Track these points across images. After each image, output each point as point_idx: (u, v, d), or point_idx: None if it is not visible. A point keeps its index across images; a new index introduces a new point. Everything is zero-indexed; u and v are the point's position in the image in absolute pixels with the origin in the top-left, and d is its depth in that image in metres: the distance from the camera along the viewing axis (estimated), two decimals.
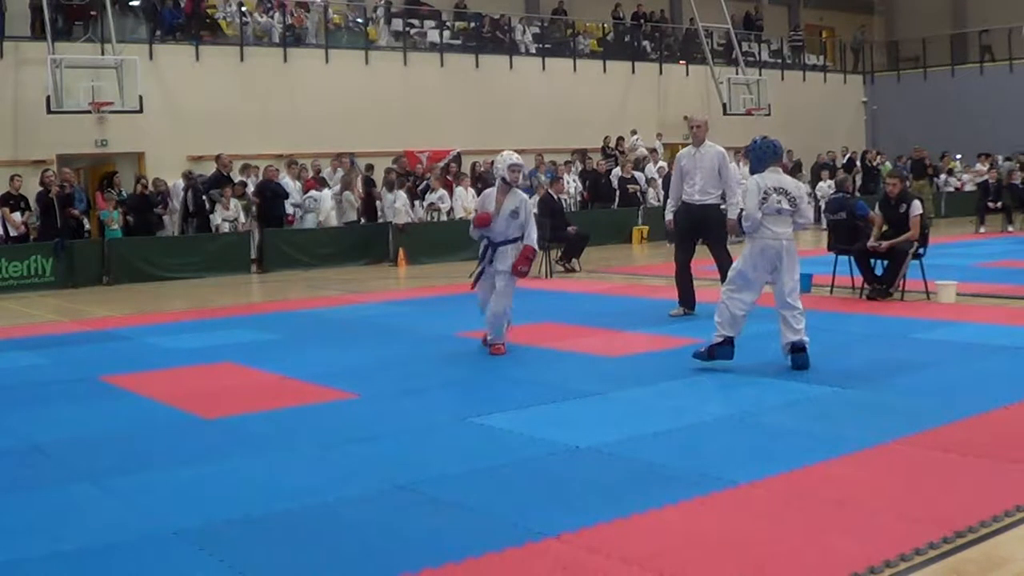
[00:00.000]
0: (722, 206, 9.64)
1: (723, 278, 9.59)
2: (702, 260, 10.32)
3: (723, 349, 7.04)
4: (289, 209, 17.97)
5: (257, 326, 10.47)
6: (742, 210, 7.29)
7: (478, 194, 19.73)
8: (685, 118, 26.29)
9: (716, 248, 9.83)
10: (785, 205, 6.94)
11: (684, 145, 28.21)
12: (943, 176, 26.16)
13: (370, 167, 19.56)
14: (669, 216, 10.06)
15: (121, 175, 18.41)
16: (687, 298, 9.98)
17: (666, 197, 10.96)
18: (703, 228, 9.82)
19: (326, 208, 18.00)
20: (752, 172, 7.21)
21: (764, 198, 6.90)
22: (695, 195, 9.64)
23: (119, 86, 17.31)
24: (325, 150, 19.89)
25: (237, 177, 18.05)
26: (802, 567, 3.63)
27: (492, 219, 8.04)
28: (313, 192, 18.13)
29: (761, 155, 7.15)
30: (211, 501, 4.58)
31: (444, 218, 18.59)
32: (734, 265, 7.29)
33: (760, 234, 6.94)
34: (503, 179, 8.15)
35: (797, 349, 6.97)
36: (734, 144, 25.98)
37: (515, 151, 8.51)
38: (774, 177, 7.04)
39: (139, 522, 4.32)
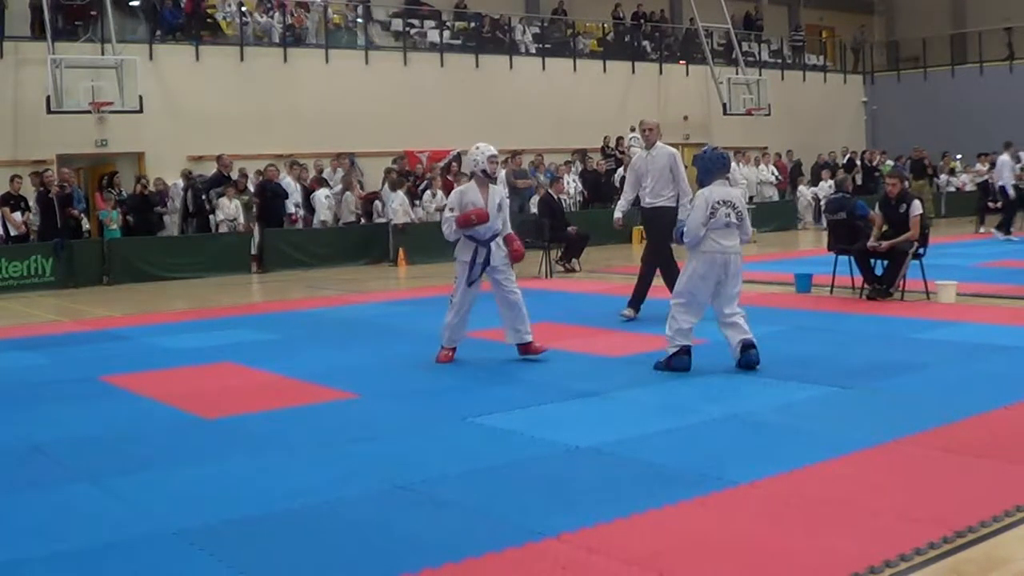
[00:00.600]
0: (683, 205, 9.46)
1: (644, 276, 9.82)
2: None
3: (680, 359, 7.06)
4: (291, 208, 17.98)
5: (257, 326, 10.48)
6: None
7: None
8: (684, 118, 26.53)
9: (651, 247, 9.88)
10: (733, 219, 6.95)
11: (684, 145, 28.36)
12: (943, 176, 26.16)
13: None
14: (618, 215, 10.07)
15: (121, 175, 18.41)
16: (637, 299, 9.91)
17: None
18: (648, 229, 9.97)
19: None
20: (700, 184, 7.15)
21: (712, 212, 6.89)
22: (646, 197, 9.70)
23: (119, 86, 17.30)
24: (325, 150, 19.90)
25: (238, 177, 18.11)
26: (802, 567, 3.63)
27: (488, 218, 7.64)
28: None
29: (710, 166, 7.11)
30: (211, 501, 4.58)
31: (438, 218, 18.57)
32: (680, 280, 7.26)
33: (707, 247, 6.94)
34: (484, 172, 7.70)
35: (748, 346, 7.01)
36: (734, 144, 26.12)
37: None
38: (722, 190, 7.04)
39: (139, 522, 4.32)
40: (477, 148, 7.79)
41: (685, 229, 7.06)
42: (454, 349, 7.90)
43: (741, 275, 7.14)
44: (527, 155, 21.75)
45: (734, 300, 7.06)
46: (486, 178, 7.73)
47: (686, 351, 7.06)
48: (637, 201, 9.99)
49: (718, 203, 6.92)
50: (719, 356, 7.70)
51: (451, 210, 7.71)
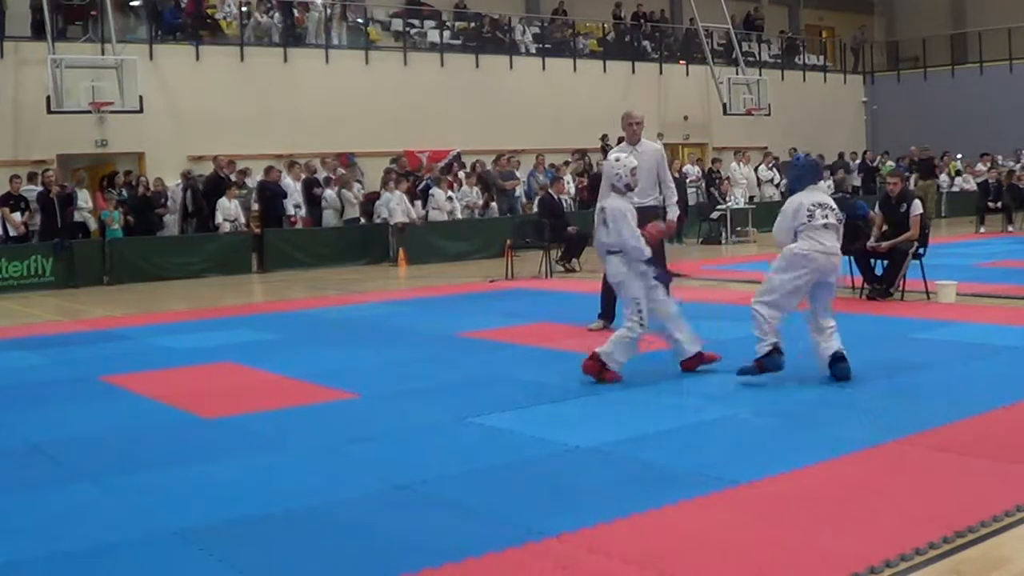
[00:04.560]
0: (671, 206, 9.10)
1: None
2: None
3: (772, 359, 6.70)
4: (290, 210, 17.99)
5: (257, 326, 10.48)
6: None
7: (483, 191, 19.89)
8: (684, 118, 26.54)
9: (656, 260, 8.65)
10: (832, 219, 6.77)
11: (684, 145, 28.28)
12: (945, 176, 26.13)
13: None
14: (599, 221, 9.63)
15: (121, 175, 18.42)
16: (608, 311, 9.32)
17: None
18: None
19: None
20: (792, 191, 7.03)
21: (810, 214, 6.70)
22: (634, 197, 9.15)
23: (119, 86, 17.31)
24: (325, 150, 19.90)
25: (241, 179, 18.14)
26: (802, 567, 3.63)
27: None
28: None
29: (803, 173, 7.01)
30: (211, 501, 4.58)
31: (445, 218, 18.61)
32: (772, 279, 6.85)
33: (806, 246, 6.67)
34: (627, 186, 7.12)
35: (838, 359, 6.74)
36: (734, 144, 26.15)
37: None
38: (815, 195, 6.86)
39: (139, 522, 4.32)
40: (617, 159, 7.25)
41: (775, 233, 6.91)
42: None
43: (836, 280, 6.89)
44: (526, 155, 21.78)
45: (829, 309, 6.83)
46: (627, 191, 7.21)
47: (778, 350, 6.72)
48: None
49: (815, 205, 6.75)
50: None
51: (632, 225, 7.08)
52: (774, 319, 6.73)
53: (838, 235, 6.83)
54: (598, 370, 6.90)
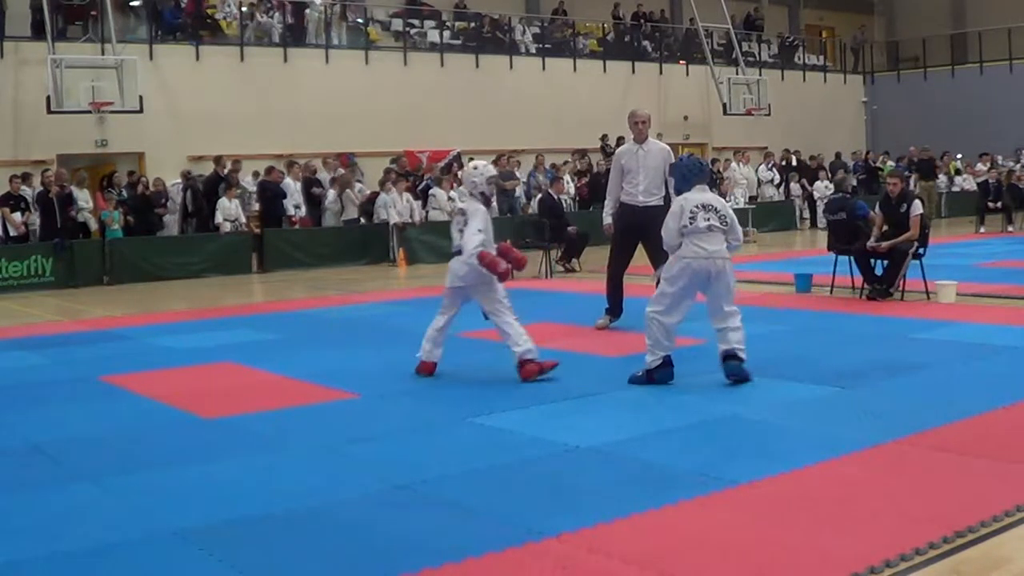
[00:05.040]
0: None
1: (615, 279, 9.24)
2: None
3: (663, 372, 6.74)
4: (291, 210, 18.00)
5: (257, 326, 10.48)
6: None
7: None
8: (684, 118, 26.53)
9: (659, 253, 8.54)
10: (715, 222, 6.68)
11: (684, 146, 28.34)
12: (943, 176, 26.13)
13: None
14: (608, 220, 9.28)
15: (121, 175, 18.43)
16: (616, 307, 9.39)
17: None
18: (645, 231, 8.83)
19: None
20: (678, 192, 6.99)
21: (692, 217, 6.67)
22: (638, 196, 8.96)
23: (119, 86, 17.32)
24: (325, 150, 19.91)
25: (244, 179, 18.14)
26: (802, 567, 3.63)
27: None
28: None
29: (687, 173, 6.95)
30: (211, 501, 4.58)
31: (445, 218, 18.60)
32: (661, 286, 6.94)
33: (687, 252, 6.68)
34: (483, 194, 7.26)
35: (728, 356, 6.70)
36: (734, 144, 26.15)
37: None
38: (700, 196, 6.80)
39: (139, 522, 4.32)
40: (476, 167, 7.41)
41: (663, 234, 6.83)
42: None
43: (733, 284, 6.80)
44: (527, 155, 21.78)
45: (728, 314, 6.71)
46: (485, 199, 7.32)
47: (669, 362, 6.75)
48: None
49: (696, 207, 6.70)
50: (718, 356, 7.71)
51: (481, 234, 7.12)
52: (671, 325, 6.73)
53: (725, 236, 6.74)
54: (537, 369, 7.04)
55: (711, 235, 6.67)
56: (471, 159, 21.38)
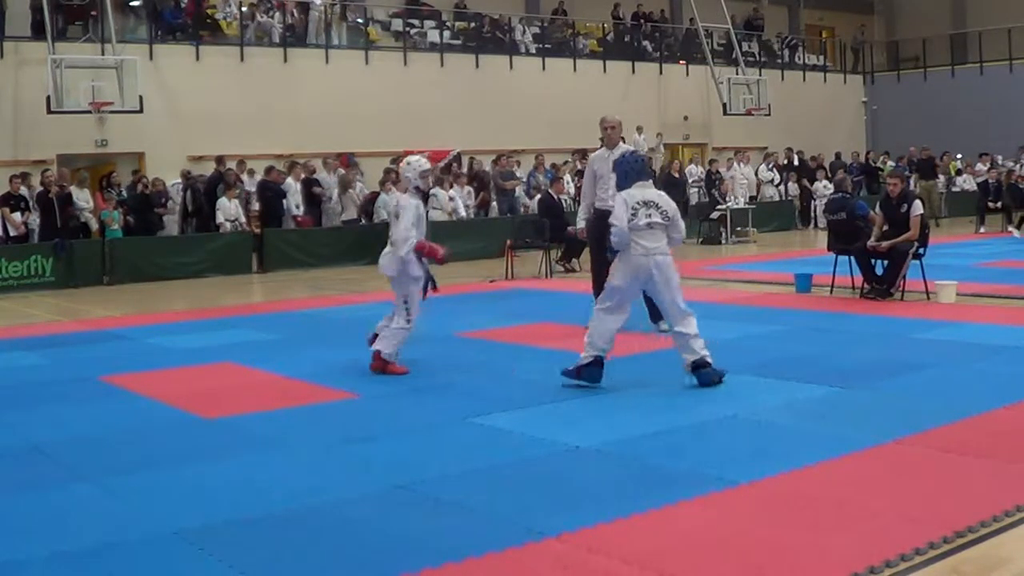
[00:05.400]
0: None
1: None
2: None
3: (591, 370, 6.75)
4: (294, 210, 17.99)
5: (257, 326, 10.48)
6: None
7: (476, 193, 19.90)
8: (684, 118, 26.53)
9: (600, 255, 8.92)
10: (657, 219, 6.71)
11: (684, 145, 28.24)
12: (943, 177, 26.11)
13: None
14: (581, 224, 9.45)
15: (121, 175, 18.42)
16: None
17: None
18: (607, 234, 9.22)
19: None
20: (619, 188, 7.01)
21: (633, 213, 6.69)
22: (609, 200, 8.85)
23: (119, 86, 17.31)
24: (325, 150, 19.90)
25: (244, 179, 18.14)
26: (802, 567, 3.63)
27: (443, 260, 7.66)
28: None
29: (628, 170, 6.98)
30: (211, 501, 4.58)
31: (445, 218, 18.61)
32: (608, 284, 6.98)
33: (631, 249, 6.72)
34: (417, 188, 7.61)
35: (699, 366, 6.67)
36: (734, 144, 26.14)
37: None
38: (642, 192, 6.83)
39: (139, 522, 4.32)
40: (408, 163, 7.71)
41: (614, 231, 6.81)
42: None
43: (675, 280, 6.76)
44: (526, 155, 21.78)
45: (679, 313, 6.70)
46: (419, 192, 7.69)
47: (599, 363, 6.75)
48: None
49: (638, 203, 6.73)
50: (718, 356, 7.71)
51: (413, 229, 7.49)
52: (611, 329, 6.76)
53: (667, 232, 6.77)
54: (382, 367, 7.44)
55: (651, 232, 6.71)
56: (472, 159, 21.47)
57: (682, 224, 6.93)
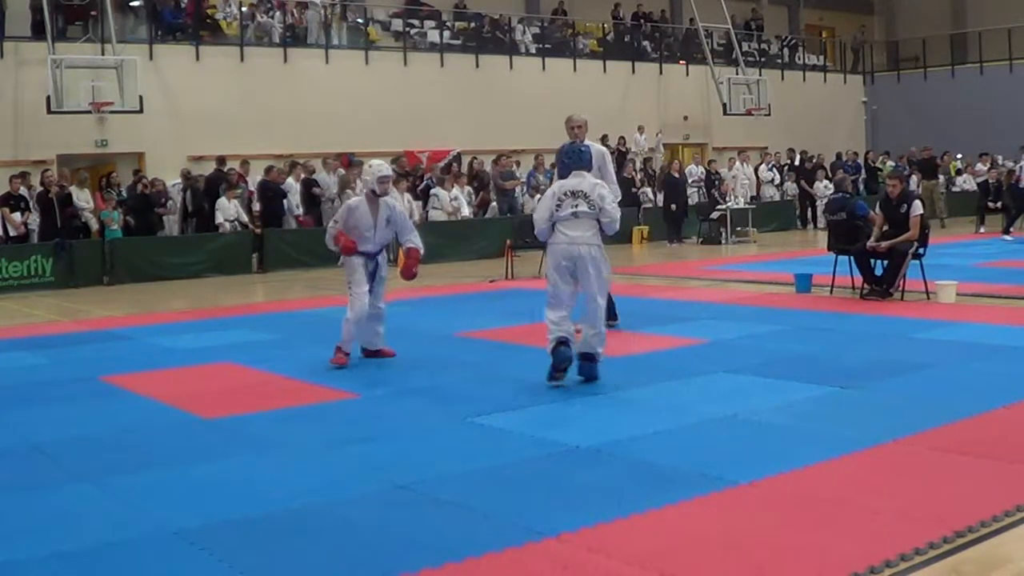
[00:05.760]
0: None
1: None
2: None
3: (559, 351, 6.72)
4: (296, 210, 17.99)
5: (257, 326, 10.48)
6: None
7: (476, 193, 19.90)
8: (684, 118, 26.52)
9: None
10: (583, 207, 6.69)
11: (684, 145, 28.24)
12: (943, 177, 26.10)
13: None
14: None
15: (121, 175, 18.42)
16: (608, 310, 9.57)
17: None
18: None
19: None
20: (560, 177, 7.06)
21: (559, 203, 6.71)
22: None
23: (119, 86, 17.31)
24: (325, 150, 19.91)
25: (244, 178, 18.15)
26: (802, 567, 3.63)
27: (358, 242, 7.79)
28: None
29: (566, 160, 7.02)
30: (211, 501, 4.58)
31: (446, 217, 18.62)
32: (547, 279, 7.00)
33: (554, 239, 6.75)
34: (373, 191, 7.83)
35: (586, 357, 6.71)
36: (734, 144, 26.14)
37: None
38: (572, 181, 6.83)
39: (139, 522, 4.32)
40: (370, 166, 8.03)
41: (534, 219, 6.91)
42: (348, 355, 7.96)
43: (603, 272, 6.75)
44: (526, 155, 21.78)
45: (596, 308, 6.71)
46: (375, 196, 7.88)
47: (563, 342, 6.73)
48: None
49: (565, 194, 6.73)
50: (718, 356, 7.72)
51: (335, 223, 8.00)
52: (561, 319, 6.77)
53: (594, 221, 6.73)
54: (339, 358, 7.84)
55: (575, 221, 6.71)
56: (474, 158, 21.44)
57: (613, 211, 6.83)
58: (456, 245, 18.22)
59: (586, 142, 9.16)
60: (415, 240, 8.09)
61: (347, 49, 22.20)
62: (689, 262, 16.71)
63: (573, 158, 7.02)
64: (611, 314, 9.31)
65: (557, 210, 6.73)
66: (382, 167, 8.02)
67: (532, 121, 22.91)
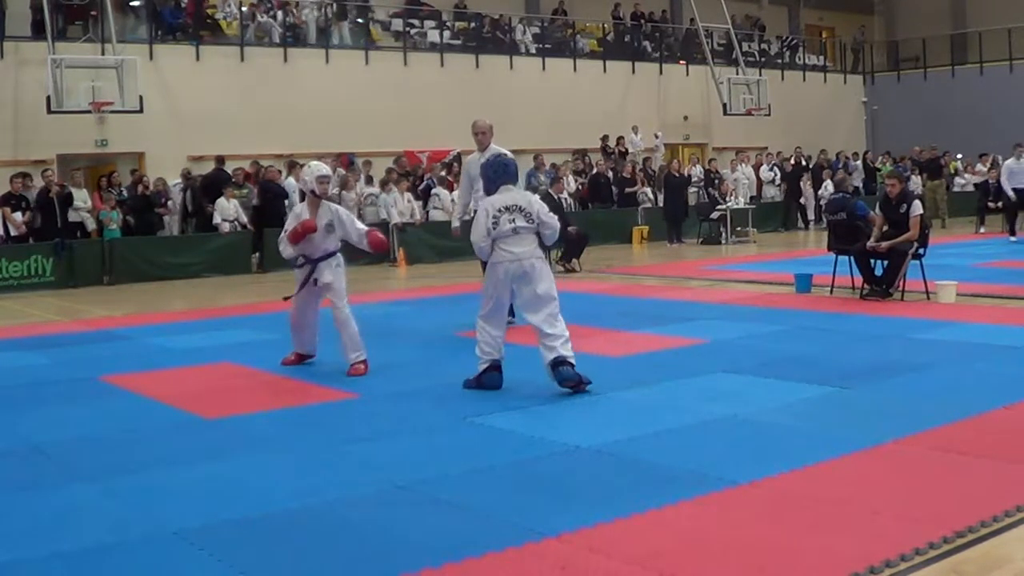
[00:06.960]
0: None
1: None
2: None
3: (490, 375, 6.71)
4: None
5: (257, 326, 10.48)
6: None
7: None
8: (684, 118, 26.51)
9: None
10: (521, 222, 6.56)
11: (684, 146, 28.26)
12: (942, 177, 26.09)
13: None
14: (456, 224, 9.85)
15: (121, 175, 18.43)
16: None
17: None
18: None
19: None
20: (487, 193, 6.83)
21: (495, 221, 6.55)
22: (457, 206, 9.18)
23: (119, 86, 17.33)
24: (325, 150, 19.90)
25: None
26: (802, 567, 3.63)
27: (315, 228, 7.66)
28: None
29: (491, 174, 6.80)
30: (211, 501, 4.58)
31: (446, 217, 18.61)
32: (482, 295, 6.85)
33: (497, 257, 6.60)
34: (312, 192, 7.71)
35: (559, 363, 6.51)
36: (734, 144, 26.15)
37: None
38: (504, 196, 6.66)
39: (139, 522, 4.32)
40: (309, 167, 7.89)
41: (471, 239, 6.71)
42: (300, 355, 8.06)
43: (548, 285, 6.60)
44: (526, 155, 21.77)
45: (550, 317, 6.55)
46: (315, 198, 7.76)
47: (496, 367, 6.71)
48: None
49: (499, 210, 6.56)
50: (718, 356, 7.72)
51: (284, 231, 7.85)
52: (496, 337, 6.71)
53: (534, 235, 6.62)
54: (293, 358, 8.07)
55: (517, 237, 6.58)
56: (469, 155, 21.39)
57: (552, 221, 6.72)
58: (456, 244, 18.19)
59: (492, 146, 9.13)
60: (363, 230, 7.88)
61: (347, 49, 22.20)
62: (689, 262, 16.71)
63: (499, 172, 6.81)
64: (510, 311, 9.25)
65: (494, 228, 6.54)
66: (320, 167, 7.84)
67: (532, 121, 22.94)
